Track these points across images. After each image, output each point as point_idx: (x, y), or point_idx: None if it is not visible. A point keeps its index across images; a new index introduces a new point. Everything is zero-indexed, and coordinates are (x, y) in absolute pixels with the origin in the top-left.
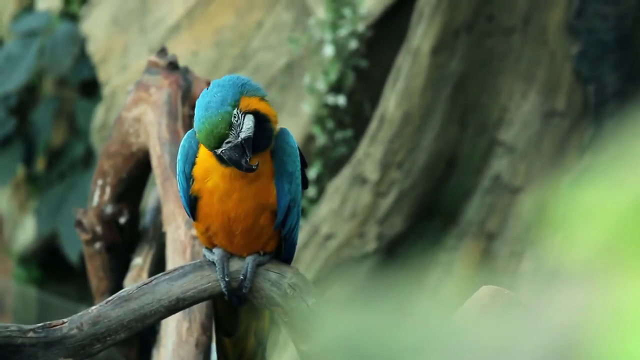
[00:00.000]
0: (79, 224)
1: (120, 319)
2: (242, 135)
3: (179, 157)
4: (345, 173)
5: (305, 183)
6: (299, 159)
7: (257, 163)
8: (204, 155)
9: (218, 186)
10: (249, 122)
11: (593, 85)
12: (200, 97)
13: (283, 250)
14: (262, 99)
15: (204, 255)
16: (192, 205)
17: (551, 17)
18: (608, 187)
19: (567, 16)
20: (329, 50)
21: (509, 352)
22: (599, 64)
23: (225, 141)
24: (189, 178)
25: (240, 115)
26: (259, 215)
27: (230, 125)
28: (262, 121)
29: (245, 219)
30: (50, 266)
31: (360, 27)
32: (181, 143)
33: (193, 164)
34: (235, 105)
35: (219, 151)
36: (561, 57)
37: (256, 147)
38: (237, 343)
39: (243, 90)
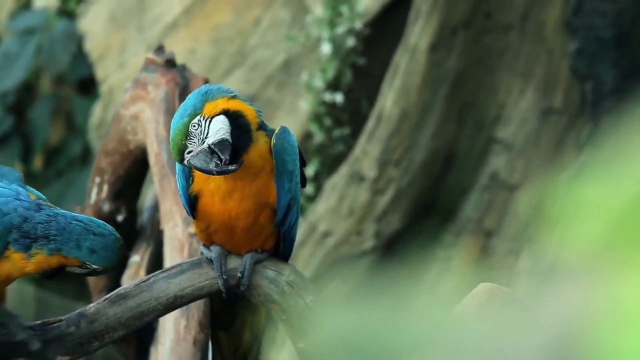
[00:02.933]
0: None
1: (118, 316)
2: (210, 140)
3: None
4: (343, 171)
5: (303, 182)
6: (298, 157)
7: (241, 161)
8: None
9: (219, 186)
10: (217, 125)
11: (591, 83)
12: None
13: (282, 248)
14: (232, 97)
15: (202, 253)
16: (192, 203)
17: (549, 14)
18: (606, 184)
19: (564, 13)
20: (326, 48)
21: (508, 349)
22: (597, 61)
23: (186, 152)
24: (188, 177)
25: (203, 122)
26: (259, 214)
27: (187, 136)
28: (234, 118)
29: (246, 217)
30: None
31: (358, 24)
32: None
33: None
34: (196, 113)
35: (184, 162)
36: (559, 54)
37: (235, 145)
38: (233, 337)
39: (206, 97)
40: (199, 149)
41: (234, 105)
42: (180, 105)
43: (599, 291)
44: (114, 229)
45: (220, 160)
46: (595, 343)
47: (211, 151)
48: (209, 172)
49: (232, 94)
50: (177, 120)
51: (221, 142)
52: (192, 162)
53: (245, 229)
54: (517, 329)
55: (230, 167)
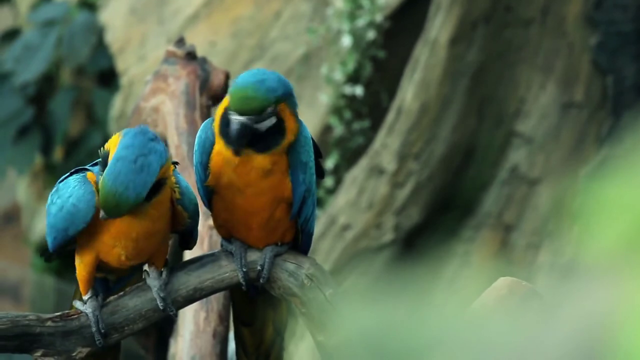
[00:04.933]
0: None
1: (138, 308)
2: (257, 125)
3: (195, 148)
4: (363, 164)
5: (321, 173)
6: (312, 149)
7: (241, 149)
8: (218, 147)
9: (233, 180)
10: (271, 122)
11: (612, 77)
12: (257, 70)
13: (300, 241)
14: (296, 117)
15: (222, 246)
16: (209, 197)
17: (570, 8)
18: (626, 179)
19: (586, 7)
20: (346, 41)
21: (530, 347)
22: (618, 56)
23: (247, 115)
24: (205, 168)
25: (272, 113)
26: (274, 208)
27: (258, 109)
28: (276, 131)
29: (261, 212)
30: (67, 255)
31: (378, 17)
32: (197, 134)
33: (210, 154)
34: (280, 102)
35: (233, 114)
36: (580, 49)
37: (251, 142)
38: (256, 333)
39: (292, 102)
40: (248, 122)
41: (290, 125)
42: (280, 79)
43: (621, 290)
44: (146, 167)
45: (245, 140)
46: (617, 341)
47: (246, 128)
48: (232, 140)
49: (301, 125)
50: (269, 90)
51: (250, 129)
52: (237, 122)
53: (261, 224)
54: (538, 325)
55: (240, 146)
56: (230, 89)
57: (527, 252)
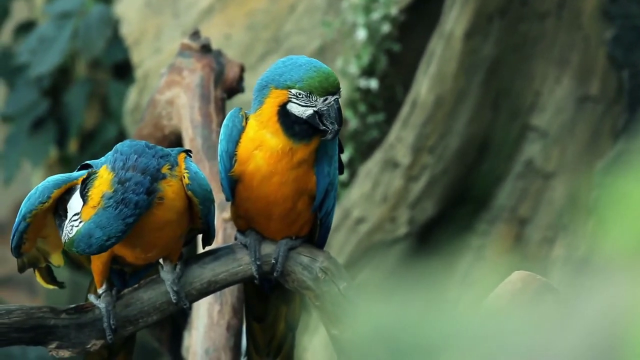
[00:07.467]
0: None
1: (152, 301)
2: (338, 102)
3: (221, 136)
4: (377, 157)
5: (340, 168)
6: (337, 143)
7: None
8: (249, 135)
9: (260, 168)
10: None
11: (627, 71)
12: (296, 56)
13: (317, 235)
14: None
15: (236, 239)
16: (232, 186)
17: (586, 2)
18: None
19: (601, 1)
20: (361, 34)
21: (545, 342)
22: (634, 49)
23: (337, 94)
24: (231, 157)
25: (338, 96)
26: (297, 200)
27: (333, 88)
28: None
29: (284, 203)
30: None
31: (394, 10)
32: (224, 123)
33: (237, 143)
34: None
35: (321, 99)
36: (595, 42)
37: (299, 131)
38: (267, 329)
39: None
40: (337, 104)
41: None
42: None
43: (637, 286)
44: (129, 198)
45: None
46: (633, 337)
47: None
48: (333, 114)
49: None
50: (331, 73)
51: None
52: (330, 100)
53: (282, 215)
54: (553, 319)
55: (340, 126)
56: (300, 78)
57: (541, 246)
